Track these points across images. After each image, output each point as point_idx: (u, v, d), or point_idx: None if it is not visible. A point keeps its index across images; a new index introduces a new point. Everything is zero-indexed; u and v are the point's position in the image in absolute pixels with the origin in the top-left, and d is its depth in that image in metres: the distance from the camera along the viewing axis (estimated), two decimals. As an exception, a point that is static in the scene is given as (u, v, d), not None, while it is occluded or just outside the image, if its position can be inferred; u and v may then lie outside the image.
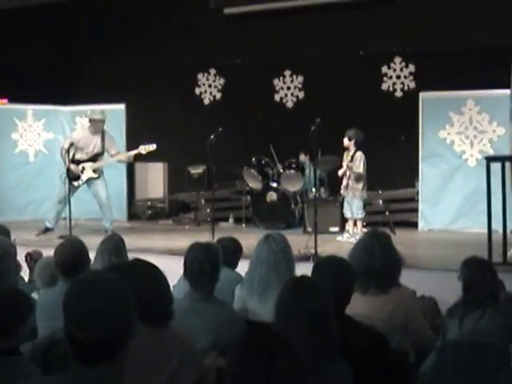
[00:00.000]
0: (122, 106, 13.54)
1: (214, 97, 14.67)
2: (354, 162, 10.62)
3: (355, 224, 10.86)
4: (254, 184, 12.60)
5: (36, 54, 14.70)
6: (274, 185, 12.58)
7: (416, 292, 5.02)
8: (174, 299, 3.56)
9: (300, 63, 13.80)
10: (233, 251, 6.12)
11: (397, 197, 12.60)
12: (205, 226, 12.12)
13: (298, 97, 14.03)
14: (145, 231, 12.39)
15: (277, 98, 14.15)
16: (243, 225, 12.85)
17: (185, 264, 4.54)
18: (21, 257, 7.34)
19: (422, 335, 4.70)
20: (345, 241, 10.62)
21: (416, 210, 12.20)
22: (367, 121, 12.04)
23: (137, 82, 14.20)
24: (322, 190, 12.48)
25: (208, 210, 13.28)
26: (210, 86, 14.70)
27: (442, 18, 12.24)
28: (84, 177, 11.33)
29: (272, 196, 12.50)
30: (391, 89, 13.15)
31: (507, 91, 9.52)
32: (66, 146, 11.29)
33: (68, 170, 11.23)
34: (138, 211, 14.41)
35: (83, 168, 11.29)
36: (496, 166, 8.31)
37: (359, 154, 10.63)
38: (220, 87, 14.62)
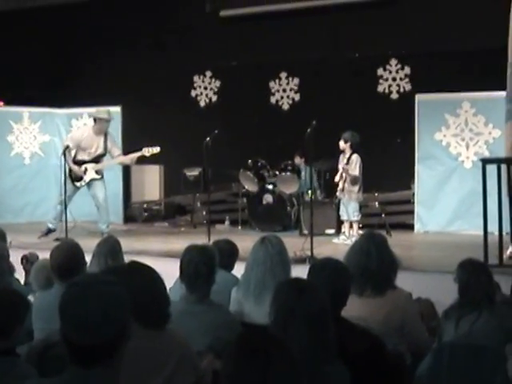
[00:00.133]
0: (117, 109, 13.51)
1: (210, 99, 14.68)
2: (350, 164, 10.62)
3: (351, 226, 10.87)
4: (250, 186, 12.61)
5: (32, 56, 14.69)
6: (270, 187, 12.58)
7: (412, 294, 5.01)
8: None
9: (296, 65, 13.82)
10: (229, 253, 6.12)
11: (393, 199, 12.62)
12: (201, 229, 12.12)
13: (293, 99, 14.04)
14: (141, 234, 12.38)
15: (273, 100, 14.16)
16: (239, 227, 12.86)
17: (181, 266, 4.53)
18: (17, 259, 7.35)
19: (418, 337, 4.71)
20: (341, 243, 10.62)
21: (412, 212, 12.21)
22: (363, 123, 12.05)
23: (133, 85, 14.20)
24: (318, 192, 12.48)
25: (204, 213, 13.28)
26: (205, 88, 14.71)
27: (438, 21, 12.26)
28: (87, 178, 11.25)
29: (268, 198, 12.50)
30: (387, 91, 13.17)
31: (503, 93, 9.52)
32: (70, 143, 11.24)
33: (70, 170, 11.20)
34: (134, 213, 14.41)
35: (86, 169, 11.24)
36: (492, 168, 8.31)
37: (355, 156, 10.64)
38: (216, 89, 14.63)
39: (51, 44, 14.92)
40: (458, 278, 4.83)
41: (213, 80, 14.65)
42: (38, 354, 3.94)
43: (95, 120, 11.35)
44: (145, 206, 14.50)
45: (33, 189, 14.04)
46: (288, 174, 12.35)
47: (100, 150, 11.33)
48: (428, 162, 11.94)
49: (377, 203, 12.18)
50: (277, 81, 14.12)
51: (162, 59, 14.37)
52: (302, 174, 12.61)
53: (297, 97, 14.01)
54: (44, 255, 6.17)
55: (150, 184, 14.93)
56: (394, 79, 13.12)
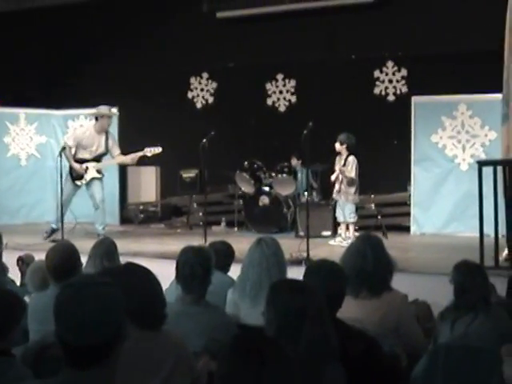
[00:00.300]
0: (114, 110, 13.50)
1: (207, 101, 14.68)
2: (347, 166, 10.63)
3: (347, 228, 10.87)
4: (247, 188, 12.61)
5: (28, 57, 14.69)
6: (267, 189, 12.58)
7: (408, 296, 5.02)
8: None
9: (292, 67, 13.82)
10: (225, 255, 6.12)
11: (389, 201, 12.62)
12: (197, 230, 12.13)
13: (290, 101, 14.04)
14: (137, 235, 12.38)
15: (269, 101, 14.16)
16: (235, 229, 12.86)
17: (177, 268, 4.53)
18: (13, 260, 7.35)
19: (414, 339, 4.71)
20: (337, 245, 10.63)
21: (408, 214, 12.22)
22: (359, 125, 12.06)
23: (129, 86, 14.20)
24: (314, 194, 12.48)
25: (200, 214, 13.28)
26: (202, 89, 14.71)
27: (434, 23, 12.28)
28: (87, 176, 11.20)
29: (264, 200, 12.50)
30: (383, 93, 13.17)
31: (499, 95, 9.53)
32: (70, 143, 11.21)
33: (71, 168, 11.18)
34: (131, 215, 14.40)
35: (87, 167, 11.20)
36: (488, 170, 8.32)
37: (351, 158, 10.64)
38: (212, 91, 14.63)
39: (48, 45, 14.90)
40: (453, 280, 4.82)
41: (209, 81, 14.65)
42: (34, 355, 3.93)
43: (97, 118, 11.31)
44: (141, 207, 14.50)
45: (29, 190, 14.03)
46: (284, 175, 12.36)
47: (101, 149, 11.29)
48: (424, 164, 11.96)
49: (373, 205, 12.19)
50: (273, 82, 14.12)
51: (159, 60, 14.37)
52: (299, 175, 12.63)
53: (293, 98, 14.01)
54: (40, 256, 6.16)
55: (147, 185, 14.92)
56: (391, 81, 13.12)
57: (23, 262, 7.25)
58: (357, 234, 9.89)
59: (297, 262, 8.37)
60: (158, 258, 9.17)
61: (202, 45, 13.98)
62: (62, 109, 14.40)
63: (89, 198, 11.37)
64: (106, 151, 11.35)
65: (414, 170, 12.01)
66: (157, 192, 14.97)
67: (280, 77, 14.06)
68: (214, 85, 14.61)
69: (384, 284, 4.71)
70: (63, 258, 5.14)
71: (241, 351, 2.38)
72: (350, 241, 8.41)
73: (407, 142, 12.01)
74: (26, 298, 5.65)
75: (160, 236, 12.28)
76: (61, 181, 10.61)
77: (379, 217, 11.80)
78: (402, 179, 12.34)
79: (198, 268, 4.41)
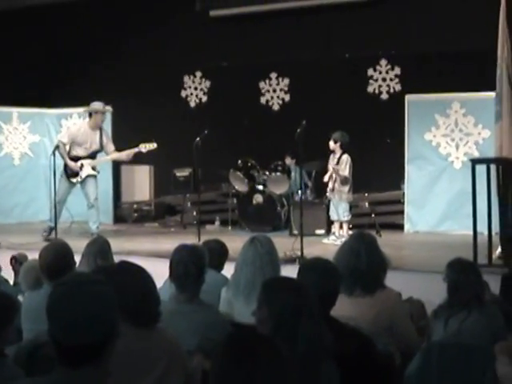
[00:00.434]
0: (108, 107, 13.48)
1: (200, 99, 14.66)
2: (340, 164, 10.64)
3: (341, 226, 10.88)
4: (240, 186, 12.61)
5: (22, 56, 14.65)
6: (260, 187, 12.59)
7: (401, 294, 5.02)
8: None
9: (286, 66, 13.81)
10: (219, 253, 6.12)
11: (383, 199, 12.63)
12: (191, 229, 12.11)
13: (283, 99, 14.04)
14: (131, 234, 12.36)
15: (263, 100, 14.15)
16: (229, 227, 12.85)
17: (170, 266, 4.53)
18: (6, 260, 7.35)
19: (408, 337, 4.72)
20: (331, 243, 10.63)
21: (402, 212, 12.23)
22: (353, 123, 12.06)
23: (123, 85, 14.17)
24: (308, 192, 12.48)
25: (194, 213, 13.26)
26: (195, 88, 14.70)
27: (428, 21, 12.28)
28: (83, 173, 11.15)
29: (258, 198, 12.50)
30: (377, 91, 13.17)
31: (492, 94, 9.54)
32: (65, 140, 11.17)
33: (66, 165, 11.15)
34: (124, 214, 14.39)
35: (82, 165, 11.16)
36: (481, 169, 8.34)
37: (345, 156, 10.65)
38: (206, 90, 14.62)
39: (41, 44, 14.87)
40: (447, 278, 4.83)
41: (203, 80, 14.64)
42: (27, 354, 3.93)
43: (90, 115, 11.29)
44: (135, 206, 14.48)
45: (22, 189, 13.99)
46: (278, 174, 12.37)
47: (95, 146, 11.25)
48: (418, 163, 11.97)
49: (367, 203, 12.20)
50: (267, 81, 14.11)
51: (152, 59, 14.34)
52: (292, 174, 12.63)
53: (287, 97, 14.01)
54: (33, 255, 6.16)
55: (140, 184, 14.91)
56: (384, 80, 13.13)
57: (16, 261, 7.25)
58: (351, 232, 9.88)
59: (290, 261, 8.37)
60: (152, 256, 9.15)
61: (195, 43, 13.96)
62: (55, 107, 14.37)
63: (84, 196, 11.33)
64: (101, 148, 11.32)
65: (408, 168, 12.02)
66: (151, 191, 14.96)
67: (273, 75, 14.06)
68: (208, 83, 14.60)
69: (378, 282, 4.71)
70: (56, 257, 5.14)
71: (235, 350, 2.37)
72: (343, 239, 8.39)
73: (401, 141, 12.01)
74: (20, 297, 5.66)
75: (154, 235, 12.27)
76: (54, 179, 10.59)
77: (373, 215, 11.81)
78: (396, 177, 12.36)
79: (191, 267, 4.41)
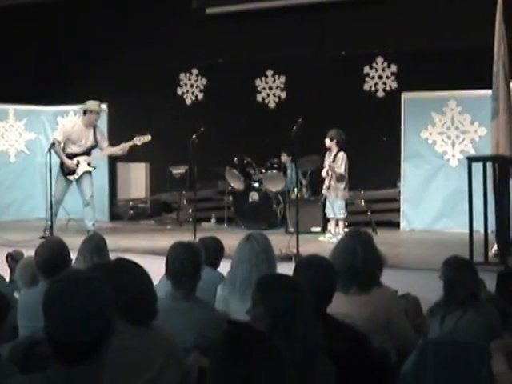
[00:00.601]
0: (103, 106, 13.48)
1: (196, 97, 14.66)
2: (336, 162, 10.63)
3: (337, 224, 10.87)
4: (236, 184, 12.60)
5: (18, 53, 14.64)
6: (256, 185, 12.58)
7: (397, 292, 5.02)
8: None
9: (282, 63, 13.81)
10: (215, 251, 6.13)
11: (379, 197, 12.63)
12: (187, 226, 12.12)
13: (279, 97, 14.04)
14: (127, 231, 12.34)
15: (259, 98, 14.15)
16: (225, 225, 12.84)
17: (166, 264, 4.53)
18: (2, 257, 7.35)
19: (404, 335, 4.72)
20: (326, 241, 10.63)
21: (398, 210, 12.24)
22: (349, 121, 12.06)
23: (119, 82, 14.16)
24: (304, 190, 12.48)
25: (190, 210, 13.25)
26: (192, 86, 14.69)
27: (424, 19, 12.28)
28: (79, 170, 11.14)
29: (254, 196, 12.49)
30: (373, 89, 13.18)
31: (489, 91, 9.53)
32: (60, 137, 11.13)
33: (62, 163, 11.12)
34: (120, 211, 14.38)
35: (78, 162, 11.14)
36: (478, 167, 8.33)
37: (341, 154, 10.64)
38: (202, 87, 14.61)
39: (37, 41, 14.86)
40: (443, 276, 4.84)
41: (199, 78, 14.63)
42: (23, 351, 3.92)
43: (85, 112, 11.28)
44: (131, 203, 14.46)
45: (18, 187, 13.97)
46: (274, 171, 12.37)
47: (90, 143, 11.24)
48: (414, 160, 11.97)
49: (363, 201, 12.19)
50: (263, 79, 14.11)
51: (149, 57, 14.33)
52: (288, 171, 12.63)
53: (283, 95, 14.01)
54: (29, 253, 6.16)
55: (136, 182, 14.89)
56: (381, 77, 13.14)
57: (12, 259, 7.24)
58: (346, 230, 9.88)
59: (286, 258, 8.36)
60: (148, 254, 9.15)
61: (191, 41, 13.96)
62: (51, 105, 14.34)
63: (79, 194, 11.31)
64: (95, 144, 11.32)
65: (404, 166, 12.03)
66: (146, 188, 14.95)
67: (270, 73, 14.06)
68: (204, 81, 14.59)
69: (373, 280, 4.71)
70: (53, 255, 5.13)
71: (231, 347, 2.37)
72: (339, 237, 8.38)
73: (397, 138, 12.02)
74: (16, 295, 5.66)
75: (150, 232, 12.26)
76: (50, 177, 10.57)
77: (369, 213, 11.81)
78: (392, 175, 12.36)
79: (187, 264, 4.41)
